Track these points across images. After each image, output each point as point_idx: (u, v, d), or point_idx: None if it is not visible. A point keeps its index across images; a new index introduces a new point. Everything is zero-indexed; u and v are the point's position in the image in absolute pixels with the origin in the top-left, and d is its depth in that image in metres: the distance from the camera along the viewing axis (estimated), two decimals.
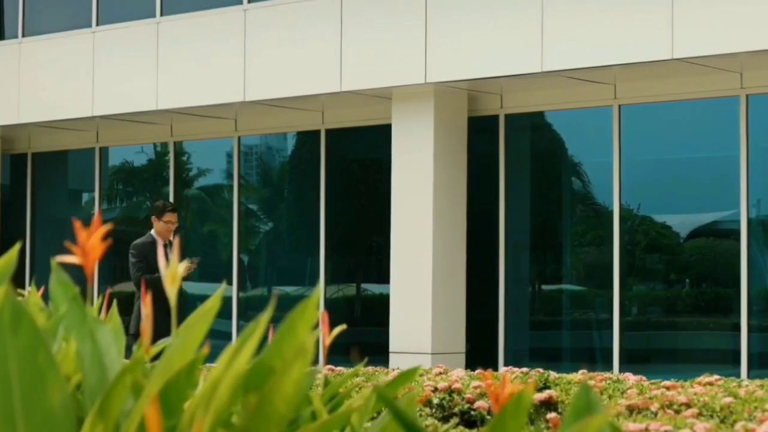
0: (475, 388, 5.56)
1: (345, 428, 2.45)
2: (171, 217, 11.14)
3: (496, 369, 13.38)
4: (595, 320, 14.91)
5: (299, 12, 15.49)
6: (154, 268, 10.56)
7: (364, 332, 15.90)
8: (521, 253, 15.36)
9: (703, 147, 14.47)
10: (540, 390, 5.49)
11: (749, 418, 4.19)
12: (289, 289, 17.58)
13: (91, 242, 2.12)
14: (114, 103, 17.09)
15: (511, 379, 6.16)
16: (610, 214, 14.43)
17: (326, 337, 2.99)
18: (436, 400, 5.47)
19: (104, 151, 18.96)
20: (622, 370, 13.90)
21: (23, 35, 18.44)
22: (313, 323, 1.91)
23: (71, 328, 2.22)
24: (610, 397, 5.31)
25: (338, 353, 16.21)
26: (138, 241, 11.22)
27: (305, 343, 1.73)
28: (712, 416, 4.48)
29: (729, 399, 4.66)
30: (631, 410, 4.76)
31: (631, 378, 6.08)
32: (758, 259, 13.70)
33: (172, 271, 2.26)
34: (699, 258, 14.76)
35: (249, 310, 17.01)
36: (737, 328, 13.55)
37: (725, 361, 13.75)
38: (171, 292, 2.22)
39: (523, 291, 15.46)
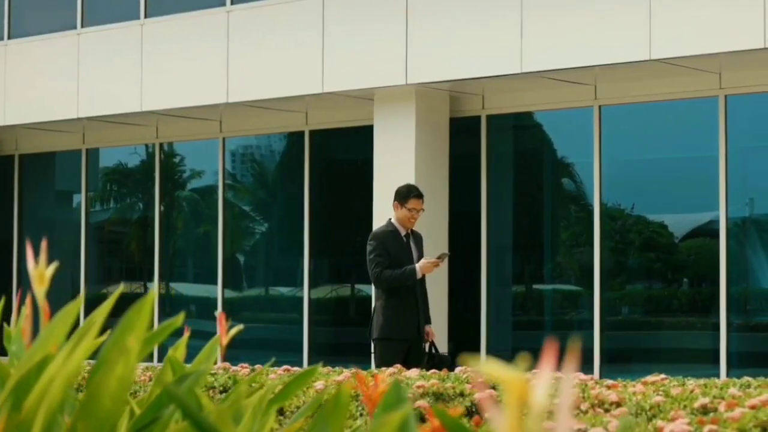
0: (418, 387, 5.60)
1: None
2: (415, 203, 9.68)
3: None
4: (577, 320, 14.96)
5: (282, 13, 15.55)
6: (396, 261, 9.45)
7: (356, 332, 15.93)
8: (503, 253, 15.40)
9: (682, 147, 14.51)
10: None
11: (672, 419, 4.23)
12: (283, 290, 17.63)
13: None
14: (99, 104, 17.15)
15: (465, 379, 6.20)
16: (591, 214, 14.47)
17: (223, 336, 3.05)
18: None
19: (91, 153, 19.02)
20: (602, 370, 13.96)
21: (9, 37, 18.50)
22: (147, 323, 1.95)
23: None
24: (550, 396, 5.32)
25: (331, 353, 16.29)
26: (377, 230, 9.89)
27: (129, 342, 1.79)
28: (639, 415, 4.51)
29: (659, 398, 4.69)
30: None
31: (580, 377, 6.11)
32: (738, 258, 13.74)
33: (40, 271, 2.30)
34: (680, 258, 14.79)
35: (234, 310, 17.06)
36: (717, 327, 13.59)
37: (705, 361, 13.79)
38: (38, 293, 2.27)
39: (506, 291, 15.50)
